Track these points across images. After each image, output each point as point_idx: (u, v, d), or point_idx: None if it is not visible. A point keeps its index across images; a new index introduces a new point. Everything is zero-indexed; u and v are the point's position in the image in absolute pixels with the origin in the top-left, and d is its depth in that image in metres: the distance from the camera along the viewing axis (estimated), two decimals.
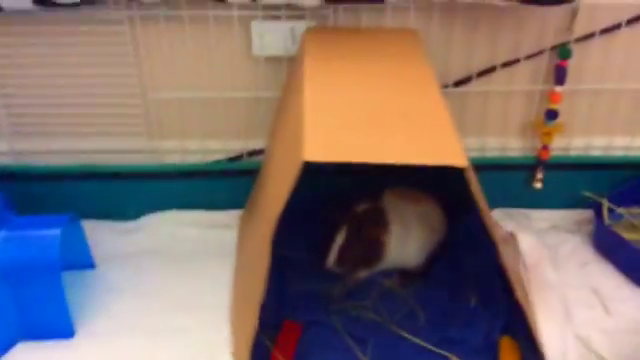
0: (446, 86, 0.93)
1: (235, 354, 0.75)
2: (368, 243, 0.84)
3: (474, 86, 0.93)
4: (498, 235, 0.65)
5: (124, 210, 0.99)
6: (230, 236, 0.97)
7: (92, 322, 0.81)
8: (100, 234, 0.95)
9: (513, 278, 0.67)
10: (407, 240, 0.87)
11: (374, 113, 0.58)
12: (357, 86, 0.64)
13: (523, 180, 1.01)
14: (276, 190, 0.61)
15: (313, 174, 0.63)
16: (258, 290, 0.64)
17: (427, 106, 0.60)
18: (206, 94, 0.93)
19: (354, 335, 0.78)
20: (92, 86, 0.91)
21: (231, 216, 1.00)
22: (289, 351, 0.75)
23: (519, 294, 0.69)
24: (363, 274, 0.88)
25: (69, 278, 0.87)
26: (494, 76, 0.93)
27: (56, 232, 0.76)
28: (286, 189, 0.53)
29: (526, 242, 0.92)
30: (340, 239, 0.83)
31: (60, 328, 0.79)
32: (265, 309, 0.77)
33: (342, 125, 0.56)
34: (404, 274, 0.89)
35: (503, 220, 0.99)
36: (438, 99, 0.61)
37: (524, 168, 0.99)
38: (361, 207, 0.86)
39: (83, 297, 0.85)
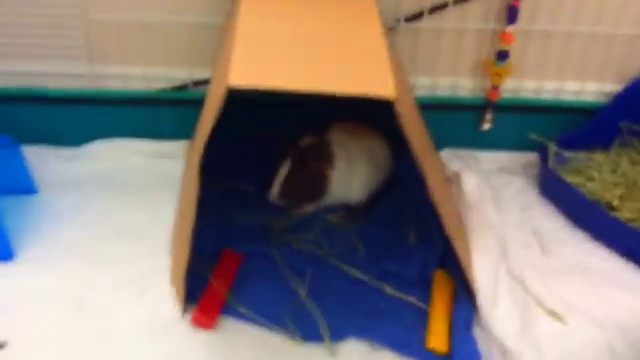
0: (398, 20, 0.91)
1: (173, 279, 0.76)
2: (312, 177, 0.84)
3: (426, 22, 0.91)
4: (430, 170, 0.65)
5: (67, 137, 0.97)
6: (176, 167, 0.95)
7: (32, 247, 0.81)
8: (43, 160, 0.94)
9: (445, 214, 0.68)
10: (351, 176, 0.88)
11: (308, 43, 0.57)
12: (294, 17, 0.62)
13: (473, 121, 1.01)
14: (205, 119, 0.60)
15: (262, 106, 0.62)
16: (189, 219, 0.64)
17: (364, 38, 0.58)
18: (149, 17, 0.89)
19: (293, 267, 0.80)
20: (31, 4, 0.87)
21: (177, 146, 0.99)
22: (227, 280, 0.76)
23: (450, 231, 0.70)
24: (307, 209, 0.88)
25: (9, 202, 0.86)
26: (446, 13, 0.91)
27: None
28: (211, 116, 0.52)
29: (470, 182, 0.93)
30: (284, 172, 0.83)
31: None
32: (205, 238, 0.78)
33: (273, 53, 0.55)
34: (348, 210, 0.90)
35: (451, 161, 1.00)
36: (376, 32, 0.60)
37: (474, 109, 1.00)
38: (306, 140, 0.86)
39: (24, 222, 0.84)
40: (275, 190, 0.83)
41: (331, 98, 0.49)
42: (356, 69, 0.53)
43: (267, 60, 0.54)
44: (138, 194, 0.91)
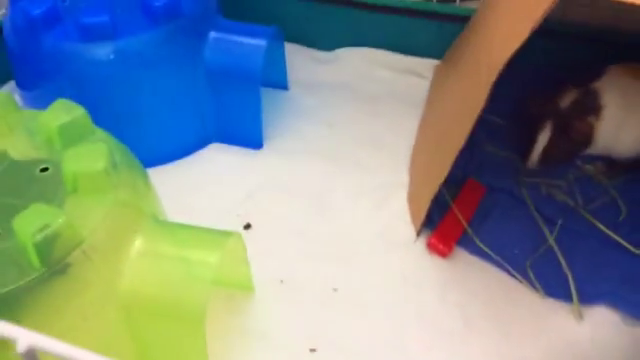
0: None
1: (413, 201, 0.73)
2: (575, 137, 0.74)
3: None
4: None
5: (322, 39, 0.97)
6: (421, 85, 0.92)
7: (279, 139, 0.84)
8: (296, 58, 0.95)
9: None
10: (625, 126, 0.75)
11: None
12: None
13: None
14: (510, 30, 0.53)
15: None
16: (456, 144, 0.60)
17: None
18: None
19: (541, 212, 0.72)
20: None
21: (426, 65, 0.95)
22: (469, 210, 0.71)
23: None
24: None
25: (264, 93, 0.89)
26: None
27: (262, 42, 0.76)
28: (528, 26, 0.46)
29: None
30: (543, 139, 0.73)
31: (251, 137, 0.82)
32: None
33: None
34: (611, 163, 0.78)
35: None
36: None
37: None
38: (568, 98, 0.74)
39: (274, 115, 0.87)
40: (534, 158, 0.74)
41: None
42: None
43: None
44: (381, 106, 0.89)
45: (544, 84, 0.77)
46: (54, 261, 0.46)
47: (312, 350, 0.60)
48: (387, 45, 0.95)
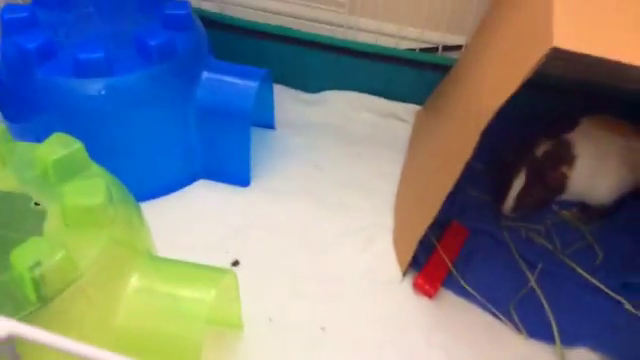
0: None
1: (398, 242, 0.75)
2: (549, 185, 0.77)
3: None
4: None
5: (308, 81, 1.00)
6: (403, 129, 0.95)
7: (266, 178, 0.85)
8: (283, 98, 0.97)
9: None
10: (598, 175, 0.79)
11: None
12: None
13: None
14: (499, 81, 0.56)
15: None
16: (444, 188, 0.62)
17: None
18: None
19: (522, 255, 0.74)
20: None
21: (407, 109, 0.98)
22: (454, 251, 0.73)
23: None
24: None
25: (251, 132, 0.91)
26: None
27: (253, 83, 0.78)
28: (519, 77, 0.49)
29: None
30: (518, 185, 0.76)
31: (238, 175, 0.83)
32: None
33: (597, 18, 0.50)
34: (585, 208, 0.82)
35: None
36: None
37: None
38: (542, 147, 0.77)
39: (261, 153, 0.88)
40: (509, 205, 0.77)
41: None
42: None
43: (592, 24, 0.49)
44: (364, 148, 0.92)
45: (521, 133, 0.80)
46: (50, 295, 0.45)
47: None
48: (371, 89, 0.99)
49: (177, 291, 0.51)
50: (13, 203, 0.52)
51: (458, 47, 0.92)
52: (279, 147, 0.91)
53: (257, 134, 0.92)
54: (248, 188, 0.84)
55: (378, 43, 0.95)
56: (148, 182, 0.80)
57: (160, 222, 0.74)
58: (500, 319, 0.68)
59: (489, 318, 0.68)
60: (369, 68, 0.96)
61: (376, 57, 0.95)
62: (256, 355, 0.62)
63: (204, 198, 0.81)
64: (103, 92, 0.72)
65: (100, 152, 0.66)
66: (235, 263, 0.73)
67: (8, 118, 0.80)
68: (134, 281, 0.51)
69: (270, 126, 0.93)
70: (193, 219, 0.78)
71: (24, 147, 0.58)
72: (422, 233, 0.67)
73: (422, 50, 0.94)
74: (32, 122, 0.76)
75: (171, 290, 0.51)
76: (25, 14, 0.76)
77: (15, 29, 0.75)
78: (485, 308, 0.68)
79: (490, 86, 0.59)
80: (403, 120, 0.97)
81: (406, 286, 0.71)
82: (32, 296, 0.45)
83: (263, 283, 0.70)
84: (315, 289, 0.70)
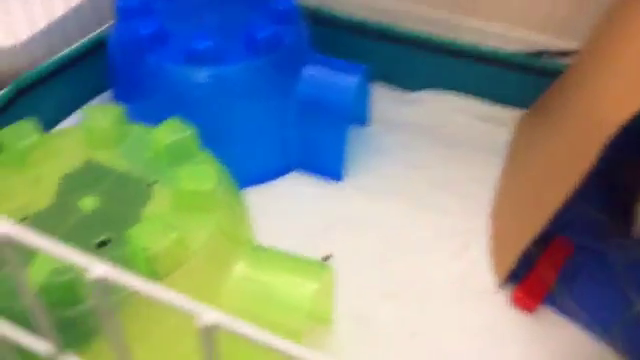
0: None
1: (496, 252, 0.72)
2: None
3: None
4: None
5: (405, 79, 0.98)
6: (502, 134, 0.91)
7: (358, 175, 0.84)
8: (379, 96, 0.96)
9: None
10: None
11: None
12: None
13: None
14: (626, 91, 0.52)
15: None
16: (554, 201, 0.59)
17: None
18: None
19: (630, 276, 0.70)
20: None
21: (508, 114, 0.94)
22: (556, 267, 0.69)
23: None
24: None
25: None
26: None
27: (354, 79, 0.78)
28: None
29: None
30: None
31: (332, 169, 0.83)
32: None
33: None
34: None
35: None
36: None
37: None
38: None
39: (353, 150, 0.88)
40: (638, 230, 0.72)
41: None
42: None
43: None
44: (460, 151, 0.89)
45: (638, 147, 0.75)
46: (161, 275, 0.46)
47: None
48: (471, 91, 0.96)
49: (281, 281, 0.51)
50: (127, 182, 0.54)
51: (566, 53, 0.88)
52: (373, 144, 0.90)
53: (351, 130, 0.91)
54: (340, 183, 0.83)
55: (482, 44, 0.92)
56: (244, 170, 0.80)
57: (253, 210, 0.75)
58: (602, 342, 0.64)
59: (590, 339, 0.64)
60: (471, 69, 0.93)
61: (479, 59, 0.92)
62: (346, 352, 0.62)
63: (297, 190, 0.82)
64: (211, 80, 0.73)
65: (202, 138, 0.68)
66: (326, 258, 0.72)
67: (119, 98, 0.83)
68: (238, 268, 0.52)
69: (364, 123, 0.92)
70: (285, 210, 0.79)
71: (139, 129, 0.60)
72: (526, 245, 0.64)
73: (528, 54, 0.90)
74: (141, 104, 0.79)
75: (275, 280, 0.51)
76: (139, 2, 0.79)
77: (129, 15, 0.78)
78: (587, 328, 0.65)
79: (615, 96, 0.55)
80: (503, 124, 0.93)
81: (501, 297, 0.68)
82: (145, 273, 0.46)
83: (353, 281, 0.69)
84: (406, 292, 0.68)
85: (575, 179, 0.56)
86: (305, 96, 0.78)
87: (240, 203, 0.59)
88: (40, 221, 0.50)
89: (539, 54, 0.90)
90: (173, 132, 0.56)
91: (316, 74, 0.79)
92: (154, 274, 0.46)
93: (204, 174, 0.52)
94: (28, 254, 0.45)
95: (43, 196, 0.52)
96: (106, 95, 0.92)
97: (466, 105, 0.95)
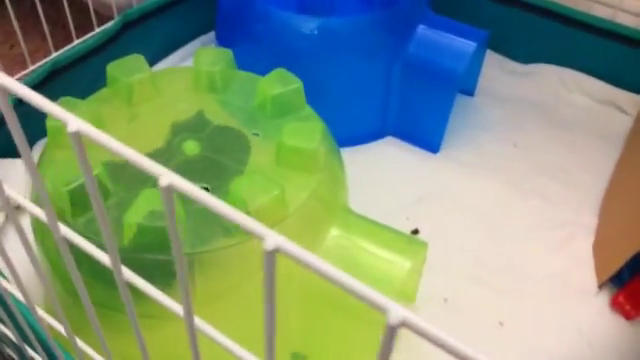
0: None
1: (599, 251, 0.66)
2: None
3: None
4: None
5: (520, 49, 0.91)
6: (622, 122, 0.84)
7: (457, 148, 0.80)
8: (489, 65, 0.90)
9: None
10: None
11: None
12: None
13: None
14: None
15: None
16: None
17: None
18: None
19: None
20: None
21: (631, 100, 0.85)
22: None
23: None
24: None
25: None
26: None
27: (471, 44, 0.72)
28: None
29: None
30: None
31: (430, 139, 0.79)
32: None
33: None
34: None
35: None
36: None
37: None
38: None
39: (454, 121, 0.83)
40: None
41: None
42: None
43: None
44: (573, 135, 0.82)
45: None
46: None
47: None
48: (592, 70, 0.87)
49: (377, 252, 0.49)
50: (230, 131, 0.53)
51: None
52: (476, 117, 0.84)
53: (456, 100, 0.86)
54: (436, 155, 0.79)
55: (614, 19, 0.83)
56: (341, 129, 0.78)
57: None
58: None
59: None
60: (597, 46, 0.85)
61: (609, 35, 0.83)
62: None
63: (390, 157, 0.79)
64: (319, 31, 0.70)
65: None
66: (415, 232, 0.69)
67: (220, 40, 0.82)
68: (334, 232, 0.50)
69: (470, 93, 0.87)
70: (377, 176, 0.76)
71: (246, 76, 0.59)
72: (636, 250, 0.58)
73: None
74: (243, 49, 0.77)
75: (371, 249, 0.49)
76: None
77: None
78: None
79: None
80: (623, 111, 0.85)
81: (601, 300, 0.63)
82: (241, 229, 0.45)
83: (441, 260, 0.66)
84: (497, 279, 0.65)
85: None
86: (415, 58, 0.74)
87: (340, 166, 0.56)
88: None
89: None
90: (280, 84, 0.54)
91: (430, 35, 0.74)
92: None
93: (309, 131, 0.50)
94: (130, 194, 0.45)
95: (147, 134, 0.52)
96: (210, 36, 0.91)
97: (586, 85, 0.87)
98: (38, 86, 0.68)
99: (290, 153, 0.49)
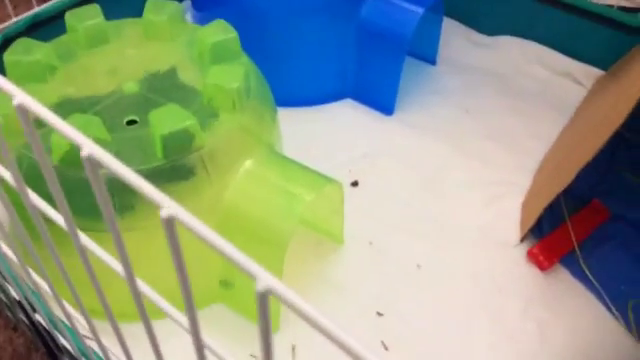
0: None
1: (525, 206, 0.70)
2: None
3: None
4: None
5: (482, 20, 0.94)
6: (575, 92, 0.86)
7: (411, 112, 0.84)
8: (451, 35, 0.94)
9: None
10: None
11: None
12: None
13: None
14: None
15: None
16: (585, 156, 0.56)
17: None
18: None
19: None
20: None
21: (587, 73, 0.88)
22: (585, 230, 0.67)
23: None
24: None
25: (410, 64, 0.90)
26: None
27: (419, 10, 0.76)
28: None
29: None
30: None
31: (384, 102, 0.83)
32: (581, 179, 0.69)
33: None
34: None
35: None
36: None
37: None
38: None
39: (413, 87, 0.87)
40: None
41: None
42: None
43: None
44: (526, 103, 0.85)
45: None
46: (174, 156, 0.51)
47: (379, 314, 0.61)
48: (551, 43, 0.90)
49: (282, 184, 0.54)
50: (172, 75, 0.59)
51: None
52: (433, 84, 0.88)
53: (415, 66, 0.90)
54: (390, 117, 0.84)
55: None
56: (298, 90, 0.83)
57: (297, 128, 0.79)
58: (613, 314, 0.61)
59: (601, 309, 0.62)
60: (556, 18, 0.87)
61: (567, 7, 0.86)
62: (348, 271, 0.65)
63: (345, 116, 0.83)
64: None
65: (260, 51, 0.71)
66: (354, 184, 0.74)
67: (195, 6, 0.88)
68: (248, 164, 0.55)
69: (431, 61, 0.91)
70: (328, 132, 0.81)
71: (191, 28, 0.64)
72: (550, 199, 0.62)
73: (621, 8, 0.83)
74: (210, 13, 0.83)
75: (277, 181, 0.54)
76: None
77: None
78: (600, 298, 0.63)
79: None
80: (578, 83, 0.88)
81: (520, 252, 0.67)
82: (159, 152, 0.51)
83: (374, 208, 0.71)
84: (423, 228, 0.69)
85: (606, 133, 0.53)
86: (367, 22, 0.78)
87: (270, 113, 0.61)
88: (85, 97, 0.56)
89: (634, 10, 0.83)
90: (218, 33, 0.60)
91: (382, 1, 0.78)
92: (168, 154, 0.51)
93: (232, 74, 0.55)
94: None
95: (94, 75, 0.58)
96: (187, 3, 0.97)
97: (544, 57, 0.90)
98: (18, 36, 0.75)
99: (214, 92, 0.55)
